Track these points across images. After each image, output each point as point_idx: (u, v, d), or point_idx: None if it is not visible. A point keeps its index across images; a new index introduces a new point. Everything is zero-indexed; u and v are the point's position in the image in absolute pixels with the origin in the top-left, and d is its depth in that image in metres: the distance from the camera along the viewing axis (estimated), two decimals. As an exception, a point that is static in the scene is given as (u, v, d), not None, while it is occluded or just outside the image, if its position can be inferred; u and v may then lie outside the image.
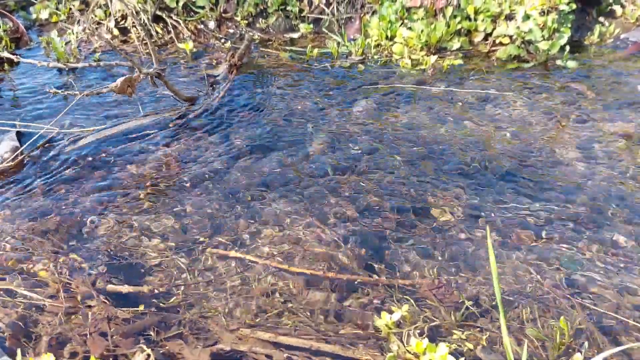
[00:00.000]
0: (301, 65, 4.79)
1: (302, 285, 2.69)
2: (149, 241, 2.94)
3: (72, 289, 2.64)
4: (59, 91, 3.22)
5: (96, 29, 5.18)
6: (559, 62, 4.73)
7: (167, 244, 2.92)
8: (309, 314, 2.55)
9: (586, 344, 2.34)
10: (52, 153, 3.57)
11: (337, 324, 2.50)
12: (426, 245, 2.90)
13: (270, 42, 5.21)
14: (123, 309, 2.54)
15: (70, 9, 5.30)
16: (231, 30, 5.33)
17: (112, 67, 4.37)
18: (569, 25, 4.88)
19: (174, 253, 2.87)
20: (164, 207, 3.18)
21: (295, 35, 5.31)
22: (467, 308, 2.55)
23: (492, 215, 3.09)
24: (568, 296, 2.61)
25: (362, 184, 3.34)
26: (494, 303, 2.57)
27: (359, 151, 3.64)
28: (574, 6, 4.89)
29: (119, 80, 3.34)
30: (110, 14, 5.21)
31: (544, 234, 2.97)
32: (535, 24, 4.78)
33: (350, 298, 2.63)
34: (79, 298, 2.58)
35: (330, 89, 4.40)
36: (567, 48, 4.76)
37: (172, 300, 2.61)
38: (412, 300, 2.59)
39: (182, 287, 2.68)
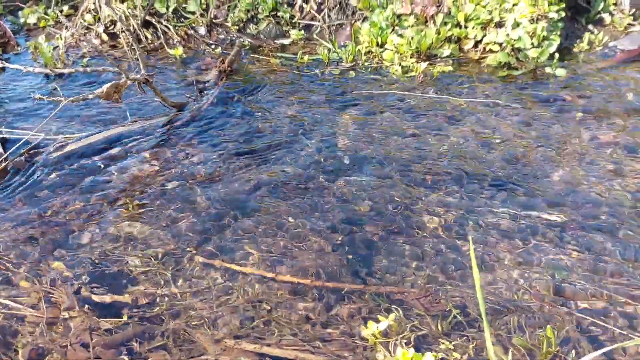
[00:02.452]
0: (292, 72, 4.77)
1: (288, 295, 2.66)
2: (133, 250, 2.91)
3: (53, 299, 2.60)
4: (44, 97, 3.19)
5: (85, 34, 5.15)
6: (548, 69, 4.73)
7: (152, 252, 2.89)
8: (295, 323, 2.52)
9: (573, 352, 2.33)
10: (37, 159, 3.53)
11: (323, 333, 2.48)
12: (414, 254, 2.88)
13: (261, 48, 5.19)
14: (105, 319, 2.50)
15: (59, 13, 5.26)
16: (222, 36, 5.30)
17: (101, 73, 4.32)
18: (559, 33, 4.88)
19: (159, 262, 2.84)
20: (149, 215, 3.14)
21: (286, 42, 5.29)
22: (454, 317, 2.53)
23: (480, 223, 3.07)
24: (555, 304, 2.59)
25: (351, 191, 3.32)
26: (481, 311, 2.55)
27: (349, 158, 3.62)
28: (563, 14, 4.89)
29: (105, 87, 3.32)
30: (99, 19, 5.18)
31: (532, 241, 2.95)
32: (524, 31, 4.78)
33: (337, 307, 2.60)
34: (60, 308, 2.54)
35: (320, 96, 4.38)
36: (557, 56, 4.76)
37: (156, 310, 2.58)
38: (399, 309, 2.57)
39: (167, 297, 2.65)
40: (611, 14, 5.41)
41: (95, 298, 2.63)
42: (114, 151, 3.63)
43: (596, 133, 3.87)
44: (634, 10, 5.36)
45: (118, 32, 5.13)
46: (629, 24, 5.34)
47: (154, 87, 3.69)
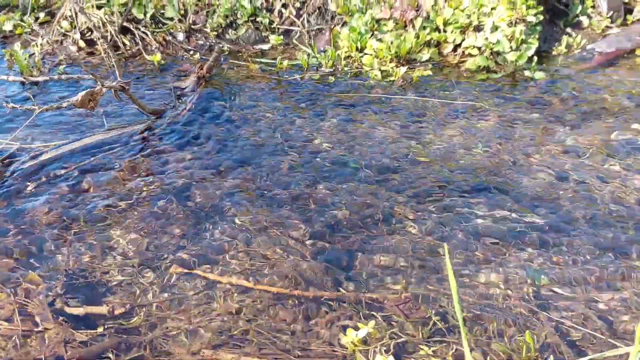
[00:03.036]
0: (271, 77, 4.75)
1: (267, 303, 2.64)
2: (110, 259, 2.87)
3: (28, 311, 2.55)
4: (17, 106, 3.14)
5: (62, 41, 5.09)
6: (527, 72, 4.75)
7: (129, 262, 2.85)
8: (274, 332, 2.50)
9: (552, 357, 2.33)
10: (11, 168, 3.47)
11: (303, 342, 2.45)
12: (394, 260, 2.87)
13: (240, 54, 5.16)
14: (81, 331, 2.46)
15: (32, 21, 5.20)
16: (200, 42, 5.27)
17: (79, 80, 4.27)
18: (537, 36, 4.91)
19: (136, 271, 2.80)
20: (127, 223, 3.10)
21: (265, 47, 5.27)
22: (434, 323, 2.52)
23: (460, 227, 3.07)
24: (535, 309, 2.59)
25: (331, 197, 3.30)
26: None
27: (328, 164, 3.60)
28: (541, 17, 4.93)
29: (80, 94, 3.27)
30: (76, 25, 5.12)
31: (511, 245, 2.95)
32: (503, 35, 4.80)
33: (316, 315, 2.58)
34: (35, 320, 2.50)
35: (300, 101, 4.37)
36: (535, 59, 4.79)
37: (133, 320, 2.54)
38: (378, 316, 2.55)
39: (144, 307, 2.61)
40: (589, 17, 5.46)
41: (71, 310, 2.59)
42: (90, 160, 3.58)
43: (575, 136, 3.89)
44: (611, 12, 5.42)
45: (95, 39, 5.08)
46: (607, 27, 5.40)
47: (130, 94, 3.65)
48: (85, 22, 5.00)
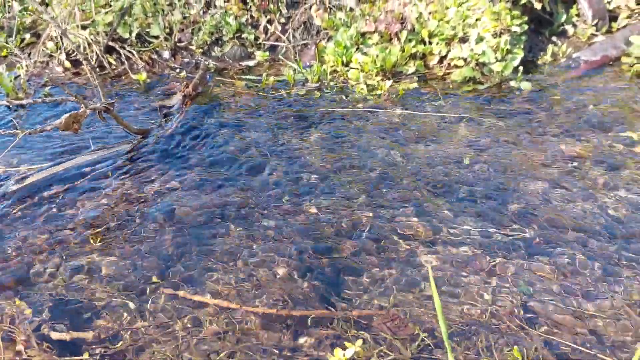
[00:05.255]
0: (257, 94, 4.75)
1: (255, 324, 2.62)
2: (96, 283, 2.85)
3: (12, 337, 2.52)
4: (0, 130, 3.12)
5: (47, 62, 5.08)
6: (512, 83, 4.76)
7: (115, 285, 2.83)
8: (261, 353, 2.47)
9: (541, 373, 2.32)
10: (-4, 193, 3.46)
11: (290, 362, 2.44)
12: (381, 276, 2.85)
13: (226, 71, 5.16)
14: (66, 357, 2.43)
15: (21, 41, 5.19)
16: (186, 60, 5.27)
17: (60, 103, 4.25)
18: (522, 46, 4.93)
19: (123, 295, 2.77)
20: (113, 246, 3.08)
21: (251, 63, 5.27)
22: (422, 340, 2.50)
23: (447, 241, 3.06)
24: (523, 323, 2.58)
25: (317, 213, 3.29)
26: (449, 332, 2.53)
27: (315, 179, 3.59)
28: (526, 27, 4.95)
29: (64, 117, 3.26)
30: (61, 46, 5.11)
31: (499, 259, 2.94)
32: (488, 46, 4.81)
33: (304, 335, 2.56)
34: (19, 347, 2.47)
35: (286, 117, 4.36)
36: (521, 69, 4.80)
37: (118, 345, 2.52)
38: (366, 334, 2.53)
39: (130, 331, 2.59)
40: (574, 26, 5.48)
41: (56, 335, 2.56)
42: (76, 182, 3.56)
43: (560, 146, 3.89)
44: (596, 20, 5.44)
45: (81, 59, 5.06)
46: (592, 35, 5.42)
47: (115, 114, 3.63)
48: (73, 42, 4.99)
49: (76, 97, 3.18)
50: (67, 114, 3.27)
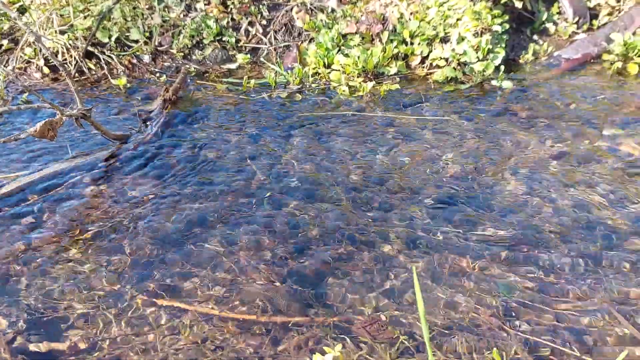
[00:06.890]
0: (239, 97, 4.71)
1: (235, 331, 2.59)
2: (73, 292, 2.80)
3: (-14, 351, 2.48)
4: (-28, 139, 3.07)
5: (25, 68, 5.02)
6: (494, 82, 4.75)
7: (92, 294, 2.79)
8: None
9: (521, 375, 2.30)
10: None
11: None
12: (360, 281, 2.83)
13: (208, 74, 5.12)
14: (40, 369, 2.40)
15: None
16: (167, 64, 5.22)
17: (38, 109, 4.19)
18: (503, 45, 4.93)
19: (100, 304, 2.73)
20: (91, 254, 3.04)
21: (232, 66, 5.23)
22: (402, 343, 2.48)
23: (428, 244, 3.04)
24: (504, 325, 2.56)
25: (298, 217, 3.26)
26: (430, 335, 2.51)
27: (297, 183, 3.56)
28: (507, 26, 4.94)
29: (39, 125, 3.21)
30: (39, 52, 5.06)
31: (481, 260, 2.93)
32: (469, 45, 4.81)
33: (284, 340, 2.53)
34: (-8, 361, 2.43)
35: (267, 120, 4.33)
36: (502, 68, 4.79)
37: (95, 355, 2.48)
38: (346, 338, 2.51)
39: (108, 340, 2.55)
40: (555, 23, 5.48)
41: (32, 347, 2.52)
42: (52, 190, 3.50)
43: (543, 145, 3.89)
44: (577, 18, 5.45)
45: (57, 64, 5.00)
46: (573, 32, 5.43)
47: (92, 120, 3.58)
48: (49, 48, 4.93)
49: (51, 104, 3.13)
50: (42, 121, 3.23)
